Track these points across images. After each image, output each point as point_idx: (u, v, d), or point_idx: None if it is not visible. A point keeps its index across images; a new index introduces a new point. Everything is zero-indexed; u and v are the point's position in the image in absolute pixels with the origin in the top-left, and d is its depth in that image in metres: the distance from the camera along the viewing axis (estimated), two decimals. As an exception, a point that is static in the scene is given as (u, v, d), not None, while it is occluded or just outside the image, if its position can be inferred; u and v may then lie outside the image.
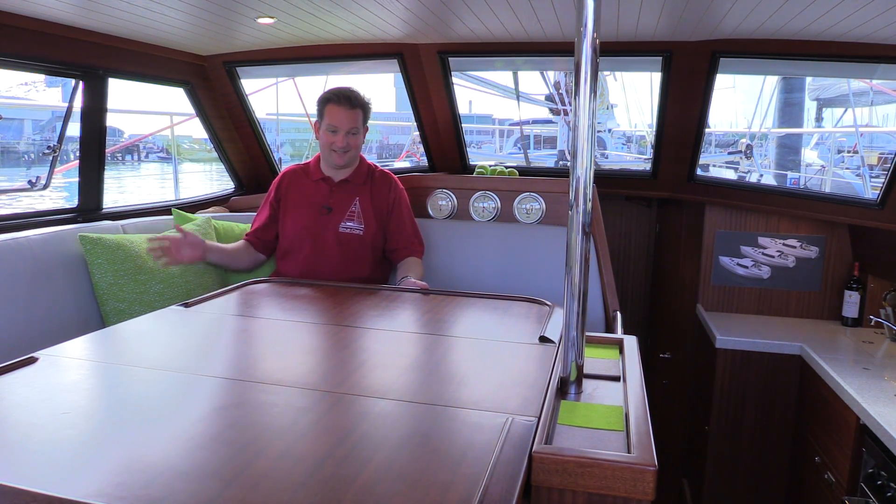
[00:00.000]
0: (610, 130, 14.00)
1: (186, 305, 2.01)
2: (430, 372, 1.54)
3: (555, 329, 1.78)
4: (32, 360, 1.47)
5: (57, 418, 1.20)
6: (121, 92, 3.31)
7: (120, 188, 12.94)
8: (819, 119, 9.69)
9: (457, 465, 1.06)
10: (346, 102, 2.62)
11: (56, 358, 1.51)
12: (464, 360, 1.68)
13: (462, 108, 3.81)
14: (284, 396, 1.33)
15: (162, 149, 19.83)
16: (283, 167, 3.61)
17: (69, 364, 1.49)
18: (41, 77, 8.20)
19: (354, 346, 1.75)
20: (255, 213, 2.93)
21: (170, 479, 0.99)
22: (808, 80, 8.64)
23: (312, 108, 2.82)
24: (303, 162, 2.90)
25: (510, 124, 14.84)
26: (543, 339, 1.74)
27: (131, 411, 1.27)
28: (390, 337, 1.84)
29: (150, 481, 0.97)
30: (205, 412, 1.27)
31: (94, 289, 2.40)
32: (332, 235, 2.68)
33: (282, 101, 7.45)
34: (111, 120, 3.02)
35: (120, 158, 18.65)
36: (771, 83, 8.67)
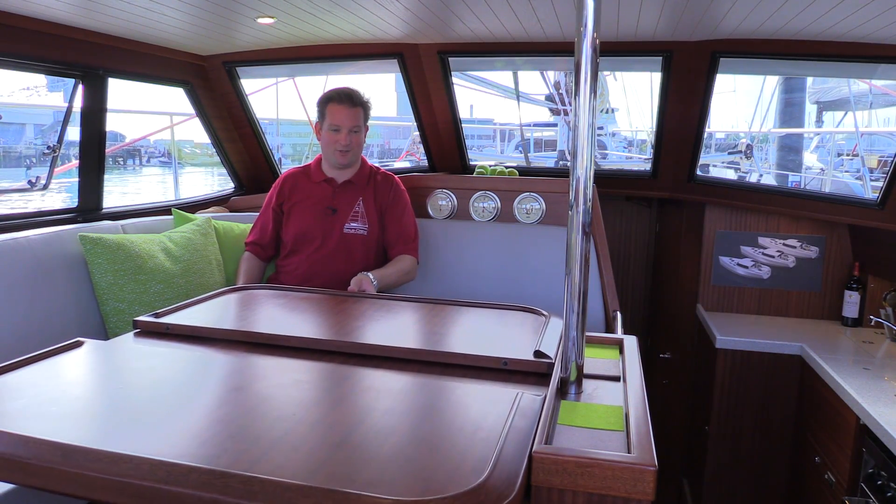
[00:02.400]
0: (614, 134, 13.97)
1: (157, 316, 1.88)
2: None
3: (550, 342, 1.69)
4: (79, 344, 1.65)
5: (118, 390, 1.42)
6: (121, 92, 3.31)
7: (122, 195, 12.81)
8: (819, 122, 9.69)
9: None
10: (347, 101, 2.63)
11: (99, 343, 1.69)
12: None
13: (463, 113, 3.80)
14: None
15: (164, 153, 19.75)
16: (284, 168, 3.62)
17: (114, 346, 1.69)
18: (43, 81, 8.19)
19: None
20: (255, 213, 2.93)
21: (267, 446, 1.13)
22: (809, 81, 8.64)
23: (313, 110, 2.82)
24: (302, 164, 2.90)
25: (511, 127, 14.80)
26: (538, 354, 1.61)
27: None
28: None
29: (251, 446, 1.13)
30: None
31: (94, 289, 2.40)
32: (337, 236, 2.69)
33: (281, 106, 7.41)
34: (113, 123, 3.02)
35: (122, 163, 18.61)
36: (771, 84, 8.66)
